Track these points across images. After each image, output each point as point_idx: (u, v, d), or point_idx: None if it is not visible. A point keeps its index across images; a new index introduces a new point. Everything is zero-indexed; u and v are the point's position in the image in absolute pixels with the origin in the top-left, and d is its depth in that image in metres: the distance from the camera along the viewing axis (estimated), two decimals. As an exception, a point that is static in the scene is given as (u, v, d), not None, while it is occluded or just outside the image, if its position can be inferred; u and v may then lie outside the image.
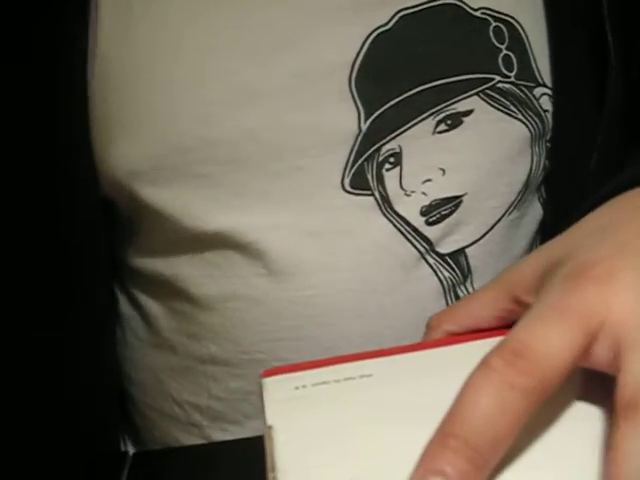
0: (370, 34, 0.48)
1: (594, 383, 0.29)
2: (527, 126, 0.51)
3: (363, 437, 0.28)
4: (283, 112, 0.48)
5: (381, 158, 0.50)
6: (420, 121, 0.49)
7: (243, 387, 0.53)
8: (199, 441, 0.56)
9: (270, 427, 0.30)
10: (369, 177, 0.50)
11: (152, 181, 0.49)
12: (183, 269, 0.52)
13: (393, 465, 0.27)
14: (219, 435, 0.55)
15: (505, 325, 0.33)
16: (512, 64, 0.50)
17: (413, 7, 0.48)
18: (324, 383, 0.31)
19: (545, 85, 0.51)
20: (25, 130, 0.48)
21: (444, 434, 0.26)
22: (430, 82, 0.49)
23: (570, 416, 0.28)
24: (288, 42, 0.48)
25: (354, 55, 0.48)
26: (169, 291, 0.53)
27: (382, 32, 0.48)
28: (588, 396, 0.29)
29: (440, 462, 0.25)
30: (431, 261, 0.52)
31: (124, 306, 0.56)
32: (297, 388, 0.31)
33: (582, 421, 0.28)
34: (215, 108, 0.48)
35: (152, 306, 0.55)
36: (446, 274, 0.52)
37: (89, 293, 0.51)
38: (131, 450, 0.58)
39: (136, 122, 0.48)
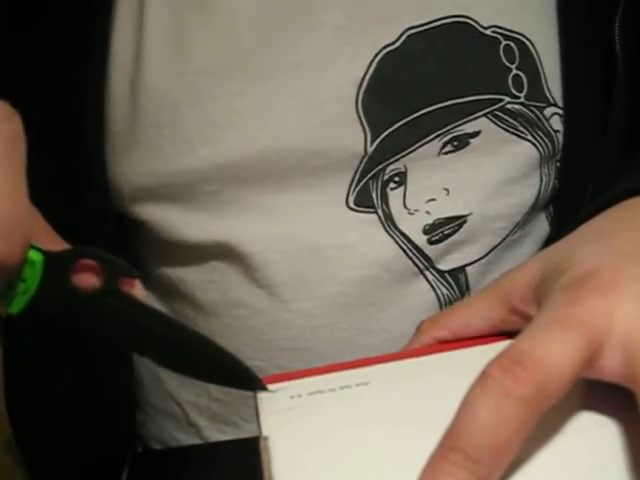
0: (377, 53, 0.47)
1: (600, 392, 0.29)
2: (536, 147, 0.51)
3: (361, 446, 0.29)
4: (289, 135, 0.48)
5: (386, 177, 0.50)
6: (426, 142, 0.49)
7: (242, 391, 0.54)
8: (197, 441, 0.57)
9: (266, 438, 0.30)
10: (373, 195, 0.50)
11: (158, 197, 0.50)
12: (188, 274, 0.52)
13: (392, 474, 0.27)
14: (217, 436, 0.56)
15: (498, 333, 0.33)
16: (522, 84, 0.49)
17: (422, 25, 0.48)
18: (320, 392, 0.32)
19: (556, 105, 0.51)
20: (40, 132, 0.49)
21: (445, 447, 0.26)
22: (438, 103, 0.48)
23: (577, 425, 0.29)
24: (294, 64, 0.47)
25: (361, 75, 0.48)
26: (174, 294, 0.53)
27: (390, 51, 0.48)
28: (595, 405, 0.29)
29: (442, 475, 0.25)
30: (430, 277, 0.52)
31: None
32: (292, 397, 0.32)
33: (590, 430, 0.28)
34: (220, 130, 0.48)
35: (156, 307, 0.55)
36: (444, 291, 0.52)
37: None
38: (131, 449, 0.59)
39: (143, 140, 0.48)
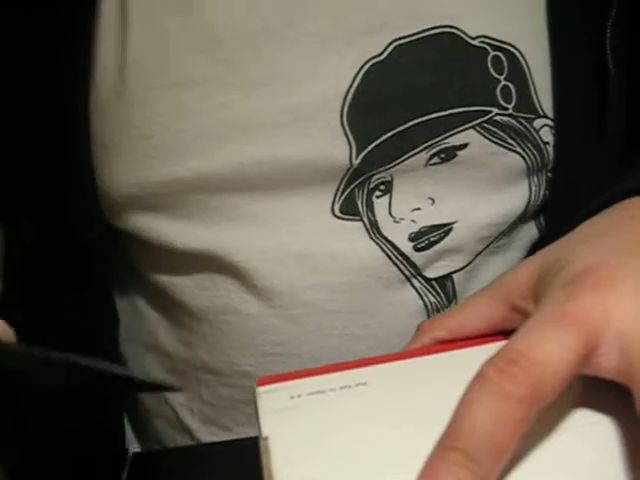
0: (363, 65, 0.47)
1: (596, 389, 0.29)
2: (524, 158, 0.50)
3: (361, 447, 0.29)
4: (275, 147, 0.48)
5: (372, 186, 0.50)
6: (413, 155, 0.49)
7: (233, 395, 0.55)
8: (190, 443, 0.58)
9: (266, 438, 0.30)
10: (359, 203, 0.50)
11: (147, 206, 0.51)
12: (178, 280, 0.53)
13: (392, 474, 0.27)
14: (209, 439, 0.57)
15: (498, 332, 0.33)
16: (511, 95, 0.49)
17: (408, 36, 0.47)
18: (319, 392, 0.32)
19: (546, 116, 0.50)
20: (28, 143, 0.50)
21: (444, 447, 0.26)
22: (424, 115, 0.48)
23: (573, 423, 0.29)
24: (279, 74, 0.47)
25: (346, 87, 0.47)
26: (166, 299, 0.54)
27: (376, 63, 0.47)
28: (591, 402, 0.29)
29: (442, 475, 0.25)
30: (417, 285, 0.52)
31: (122, 306, 0.58)
32: (292, 397, 0.32)
33: (586, 427, 0.28)
34: (207, 141, 0.48)
35: (150, 312, 0.56)
36: (431, 298, 0.52)
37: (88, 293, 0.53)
38: (130, 449, 0.60)
39: (130, 151, 0.49)
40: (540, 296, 0.30)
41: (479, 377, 0.27)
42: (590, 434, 0.28)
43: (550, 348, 0.27)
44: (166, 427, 0.57)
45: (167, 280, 0.54)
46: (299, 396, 0.32)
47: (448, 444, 0.26)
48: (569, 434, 0.28)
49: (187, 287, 0.53)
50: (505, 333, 0.33)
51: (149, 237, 0.51)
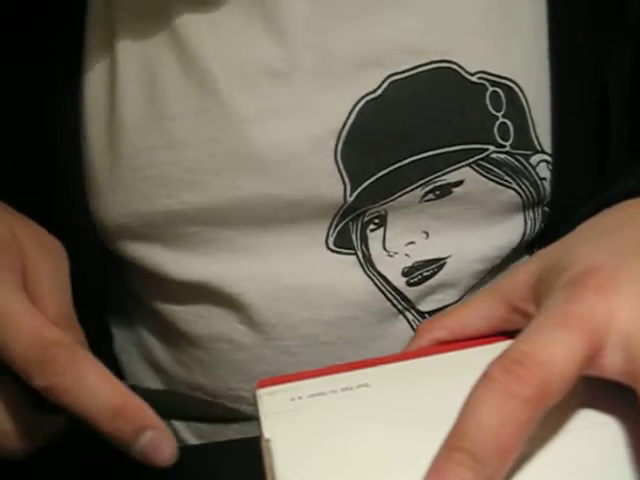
0: (358, 102, 0.46)
1: (600, 390, 0.29)
2: (520, 194, 0.50)
3: (363, 447, 0.29)
4: (267, 184, 0.47)
5: (366, 219, 0.49)
6: (408, 192, 0.48)
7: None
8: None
9: (268, 440, 0.30)
10: (353, 237, 0.50)
11: (140, 236, 0.50)
12: (175, 307, 0.53)
13: (395, 474, 0.28)
14: None
15: (498, 333, 0.33)
16: (509, 133, 0.48)
17: (404, 72, 0.46)
18: (321, 394, 0.32)
19: (544, 152, 0.49)
20: (23, 170, 0.50)
21: (449, 448, 0.26)
22: (420, 153, 0.47)
23: (578, 424, 0.29)
24: (271, 111, 0.46)
25: (341, 124, 0.46)
26: (163, 323, 0.55)
27: (370, 100, 0.46)
28: (595, 403, 0.29)
29: (447, 476, 0.26)
30: (410, 318, 0.52)
31: (119, 324, 0.58)
32: (293, 399, 0.32)
33: (590, 429, 0.29)
34: (199, 175, 0.48)
35: (147, 332, 0.57)
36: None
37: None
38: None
39: (123, 182, 0.48)
40: (541, 298, 0.30)
41: (485, 377, 0.27)
42: (595, 435, 0.28)
43: (556, 349, 0.27)
44: None
45: (164, 306, 0.54)
46: (300, 398, 0.32)
47: (454, 444, 0.26)
48: (574, 435, 0.28)
49: (183, 314, 0.53)
50: (506, 334, 0.33)
51: (145, 265, 0.51)
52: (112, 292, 0.56)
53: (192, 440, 0.57)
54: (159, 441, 0.32)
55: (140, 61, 0.47)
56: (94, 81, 0.48)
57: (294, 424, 0.30)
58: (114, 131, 0.48)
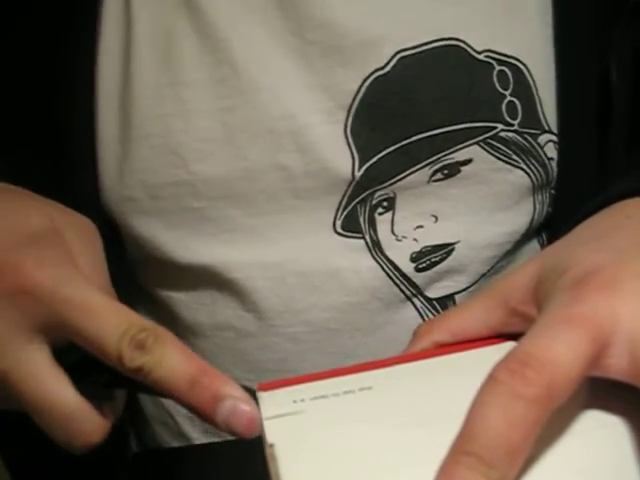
0: (367, 77, 0.46)
1: (605, 391, 0.29)
2: (529, 175, 0.49)
3: (367, 451, 0.28)
4: (278, 153, 0.48)
5: (374, 202, 0.49)
6: (416, 170, 0.48)
7: None
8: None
9: (272, 445, 0.29)
10: (361, 220, 0.49)
11: (145, 210, 0.50)
12: (177, 294, 0.53)
13: (400, 476, 0.27)
14: None
15: (497, 335, 0.33)
16: (516, 111, 0.48)
17: (413, 48, 0.46)
18: (323, 397, 0.31)
19: (551, 132, 0.49)
20: (33, 138, 0.50)
21: (457, 452, 0.26)
22: (428, 131, 0.47)
23: (583, 426, 0.28)
24: (284, 82, 0.47)
25: (350, 100, 0.47)
26: (165, 313, 0.54)
27: (380, 76, 0.46)
28: (600, 404, 0.29)
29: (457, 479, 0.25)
30: (418, 304, 0.51)
31: None
32: (295, 402, 0.31)
33: (598, 430, 0.28)
34: (211, 145, 0.48)
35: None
36: (432, 318, 0.51)
37: None
38: (130, 449, 0.60)
39: (133, 152, 0.48)
40: (542, 300, 0.30)
41: (491, 379, 0.26)
42: (601, 437, 0.28)
43: (561, 350, 0.26)
44: (166, 434, 0.57)
45: (166, 294, 0.53)
46: (302, 400, 0.31)
47: (462, 448, 0.26)
48: (580, 437, 0.28)
49: (184, 301, 0.52)
50: (507, 336, 0.33)
51: (150, 248, 0.51)
52: (114, 283, 0.56)
53: (196, 435, 0.56)
54: (240, 411, 0.32)
55: (156, 29, 0.47)
56: (109, 50, 0.48)
57: (297, 428, 0.30)
58: (126, 101, 0.48)
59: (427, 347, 0.33)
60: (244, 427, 0.32)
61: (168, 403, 0.56)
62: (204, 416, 0.33)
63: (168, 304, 0.53)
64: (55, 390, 0.35)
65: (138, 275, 0.54)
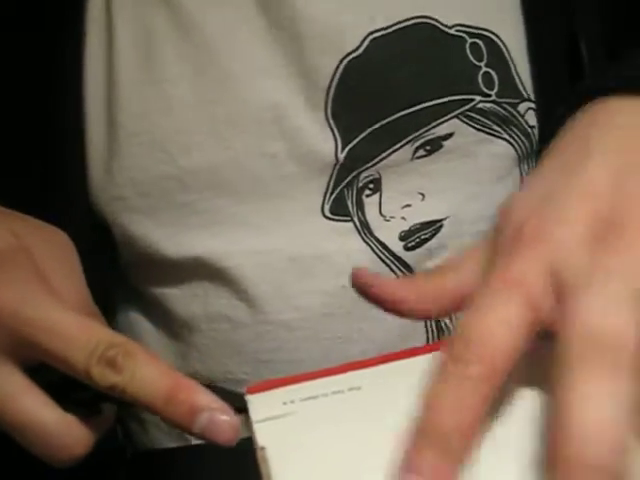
0: (341, 61, 0.47)
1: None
2: (513, 145, 0.50)
3: (359, 451, 0.28)
4: (264, 140, 0.48)
5: (361, 184, 0.49)
6: (398, 148, 0.48)
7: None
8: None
9: (263, 448, 0.29)
10: (349, 203, 0.49)
11: (134, 208, 0.50)
12: (169, 289, 0.52)
13: (391, 476, 0.27)
14: None
15: None
16: (493, 81, 0.48)
17: (384, 29, 0.47)
18: (312, 398, 0.31)
19: (530, 99, 0.49)
20: (22, 142, 0.50)
21: (415, 437, 0.26)
22: (406, 108, 0.47)
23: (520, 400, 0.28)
24: (264, 71, 0.47)
25: (327, 83, 0.47)
26: (159, 311, 0.54)
27: (353, 58, 0.47)
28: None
29: (415, 463, 0.26)
30: None
31: (117, 319, 0.57)
32: (285, 404, 0.31)
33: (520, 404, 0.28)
34: (196, 137, 0.48)
35: (142, 324, 0.55)
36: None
37: None
38: (129, 450, 0.60)
39: (120, 150, 0.49)
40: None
41: (439, 368, 0.27)
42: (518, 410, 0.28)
43: (496, 324, 0.27)
44: (159, 434, 0.57)
45: (159, 290, 0.53)
46: (292, 402, 0.31)
47: (419, 434, 0.26)
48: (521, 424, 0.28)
49: (178, 296, 0.52)
50: None
51: (140, 245, 0.51)
52: (108, 287, 0.55)
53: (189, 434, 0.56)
54: (217, 421, 0.32)
55: (136, 28, 0.48)
56: (93, 53, 0.48)
57: (287, 430, 0.30)
58: (112, 101, 0.48)
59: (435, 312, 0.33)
60: (223, 437, 0.32)
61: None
62: (182, 429, 0.33)
63: (162, 301, 0.53)
64: (31, 408, 0.35)
65: (131, 276, 0.54)
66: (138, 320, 0.56)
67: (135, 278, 0.54)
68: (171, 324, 0.53)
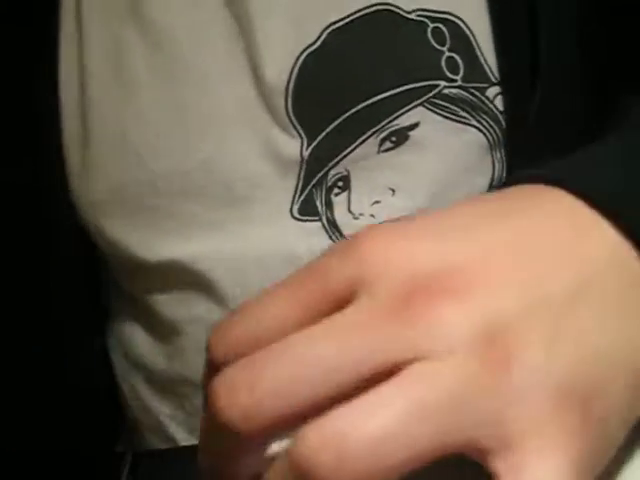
0: (299, 56, 0.46)
1: None
2: (483, 132, 0.48)
3: None
4: (232, 142, 0.48)
5: (330, 183, 0.49)
6: (363, 142, 0.47)
7: None
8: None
9: None
10: (318, 203, 0.49)
11: (111, 213, 0.50)
12: (156, 293, 0.53)
13: None
14: None
15: None
16: (458, 66, 0.47)
17: (342, 19, 0.46)
18: None
19: (498, 84, 0.47)
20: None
21: None
22: (368, 99, 0.46)
23: None
24: (229, 72, 0.47)
25: (286, 80, 0.46)
26: (147, 313, 0.54)
27: (311, 53, 0.46)
28: None
29: None
30: None
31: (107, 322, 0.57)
32: None
33: None
34: (166, 141, 0.48)
35: (133, 327, 0.55)
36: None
37: (75, 306, 0.54)
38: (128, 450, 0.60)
39: (95, 156, 0.49)
40: None
41: None
42: None
43: None
44: (152, 437, 0.57)
45: (147, 294, 0.53)
46: None
47: None
48: None
49: (164, 299, 0.52)
50: None
51: (122, 250, 0.51)
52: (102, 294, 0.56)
53: (181, 434, 0.56)
54: None
55: (104, 33, 0.48)
56: (66, 61, 0.49)
57: None
58: (85, 106, 0.48)
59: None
60: None
61: (151, 405, 0.56)
62: None
63: (150, 305, 0.53)
64: None
65: (121, 280, 0.55)
66: (129, 323, 0.56)
67: (124, 282, 0.54)
68: (160, 327, 0.54)
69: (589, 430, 0.24)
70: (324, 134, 0.47)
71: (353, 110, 0.46)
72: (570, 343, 0.24)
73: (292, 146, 0.47)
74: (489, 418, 0.23)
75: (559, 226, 0.27)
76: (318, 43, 0.46)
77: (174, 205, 0.49)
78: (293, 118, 0.47)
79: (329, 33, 0.46)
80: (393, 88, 0.46)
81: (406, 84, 0.46)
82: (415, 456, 0.23)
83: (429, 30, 0.46)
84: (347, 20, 0.46)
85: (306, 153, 0.47)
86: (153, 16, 0.47)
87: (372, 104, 0.46)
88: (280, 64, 0.46)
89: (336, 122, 0.47)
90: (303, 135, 0.47)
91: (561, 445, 0.23)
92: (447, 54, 0.46)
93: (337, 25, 0.46)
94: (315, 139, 0.47)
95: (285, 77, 0.46)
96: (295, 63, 0.46)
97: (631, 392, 0.25)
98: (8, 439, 0.54)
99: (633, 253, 0.26)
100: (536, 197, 0.28)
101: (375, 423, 0.23)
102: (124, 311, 0.56)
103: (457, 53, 0.46)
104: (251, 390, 0.24)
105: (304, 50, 0.46)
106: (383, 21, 0.46)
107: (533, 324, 0.24)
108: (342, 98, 0.46)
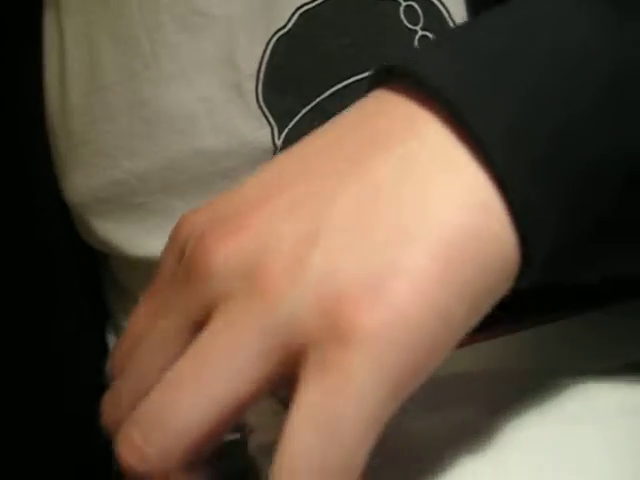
0: (270, 40, 0.45)
1: None
2: None
3: None
4: (200, 138, 0.47)
5: None
6: None
7: None
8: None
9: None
10: None
11: (96, 213, 0.51)
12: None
13: None
14: None
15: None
16: None
17: (312, 1, 0.45)
18: None
19: None
20: None
21: None
22: (340, 82, 0.45)
23: None
24: (192, 65, 0.47)
25: (257, 66, 0.46)
26: None
27: (282, 35, 0.45)
28: None
29: None
30: None
31: (108, 319, 0.58)
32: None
33: None
34: (138, 141, 0.48)
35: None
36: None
37: (75, 305, 0.55)
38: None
39: (76, 159, 0.50)
40: None
41: None
42: None
43: None
44: None
45: (140, 292, 0.53)
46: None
47: None
48: None
49: None
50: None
51: (111, 248, 0.52)
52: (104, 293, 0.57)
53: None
54: None
55: (81, 39, 0.49)
56: (50, 62, 0.50)
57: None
58: (66, 110, 0.49)
59: None
60: None
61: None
62: None
63: None
64: None
65: (119, 278, 0.55)
66: (124, 323, 0.56)
67: (122, 279, 0.55)
68: None
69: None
70: (296, 120, 0.46)
71: (325, 94, 0.46)
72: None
73: (262, 135, 0.47)
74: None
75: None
76: (289, 26, 0.45)
77: (156, 202, 0.49)
78: (263, 106, 0.46)
79: (300, 15, 0.45)
80: (365, 70, 0.45)
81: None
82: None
83: (401, 9, 0.45)
84: (318, 1, 0.45)
85: (279, 142, 0.47)
86: (124, 14, 0.47)
87: (344, 87, 0.45)
88: (251, 49, 0.46)
89: (308, 108, 0.46)
90: (274, 123, 0.47)
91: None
92: (420, 33, 0.45)
93: (309, 6, 0.45)
94: (286, 126, 0.47)
95: (256, 63, 0.46)
96: (266, 48, 0.45)
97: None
98: (8, 439, 0.55)
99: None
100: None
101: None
102: (123, 308, 0.56)
103: (431, 32, 0.45)
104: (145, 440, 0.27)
105: (275, 33, 0.45)
106: (354, 2, 0.45)
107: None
108: (314, 82, 0.46)
